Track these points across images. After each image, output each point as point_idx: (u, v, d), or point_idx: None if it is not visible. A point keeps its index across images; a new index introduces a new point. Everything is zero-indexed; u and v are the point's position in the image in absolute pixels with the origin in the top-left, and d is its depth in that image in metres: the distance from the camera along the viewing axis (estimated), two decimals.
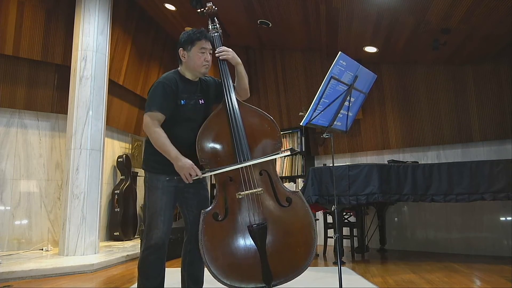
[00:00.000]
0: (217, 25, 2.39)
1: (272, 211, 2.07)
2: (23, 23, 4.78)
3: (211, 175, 2.08)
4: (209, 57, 2.14)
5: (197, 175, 1.98)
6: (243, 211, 2.05)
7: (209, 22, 2.40)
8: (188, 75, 2.17)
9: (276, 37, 5.90)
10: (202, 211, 2.04)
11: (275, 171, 2.18)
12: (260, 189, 2.06)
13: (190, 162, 1.99)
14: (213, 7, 2.43)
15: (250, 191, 2.04)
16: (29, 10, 4.83)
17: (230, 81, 2.23)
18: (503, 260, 4.09)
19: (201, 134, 2.08)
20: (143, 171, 2.21)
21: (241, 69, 2.25)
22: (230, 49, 2.25)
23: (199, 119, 2.13)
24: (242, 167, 2.05)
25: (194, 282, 2.20)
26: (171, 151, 1.99)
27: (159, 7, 5.62)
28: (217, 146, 2.11)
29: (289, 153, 2.17)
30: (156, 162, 2.11)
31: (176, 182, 2.08)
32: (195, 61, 2.11)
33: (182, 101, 2.10)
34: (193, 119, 2.13)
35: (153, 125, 2.02)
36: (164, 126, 2.04)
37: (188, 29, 2.24)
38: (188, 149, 2.05)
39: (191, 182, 2.00)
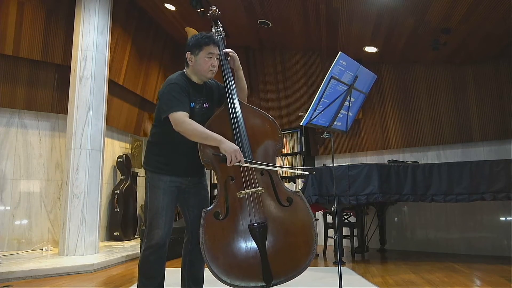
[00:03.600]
0: (220, 28, 2.43)
1: (272, 211, 2.08)
2: (23, 23, 4.78)
3: (210, 175, 2.09)
4: (216, 62, 2.16)
5: (239, 162, 1.98)
6: (244, 210, 2.05)
7: (213, 25, 2.45)
8: (194, 79, 2.18)
9: (276, 37, 5.90)
10: (203, 210, 2.04)
11: (276, 171, 2.18)
12: (261, 188, 2.07)
13: (236, 145, 2.01)
14: (217, 10, 2.46)
15: (251, 190, 2.05)
16: (29, 10, 4.83)
17: (233, 82, 2.25)
18: (503, 260, 4.09)
19: None
20: (143, 171, 2.21)
21: (242, 74, 2.31)
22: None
23: (203, 122, 2.13)
24: (243, 167, 2.05)
25: (195, 282, 2.21)
26: (215, 135, 2.00)
27: (159, 7, 5.62)
28: None
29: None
30: (159, 162, 2.12)
31: (178, 183, 2.11)
32: (201, 66, 2.12)
33: (191, 104, 2.11)
34: (197, 122, 2.11)
35: (185, 118, 2.01)
36: (169, 128, 2.03)
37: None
38: (191, 151, 2.07)
39: (231, 166, 1.99)
